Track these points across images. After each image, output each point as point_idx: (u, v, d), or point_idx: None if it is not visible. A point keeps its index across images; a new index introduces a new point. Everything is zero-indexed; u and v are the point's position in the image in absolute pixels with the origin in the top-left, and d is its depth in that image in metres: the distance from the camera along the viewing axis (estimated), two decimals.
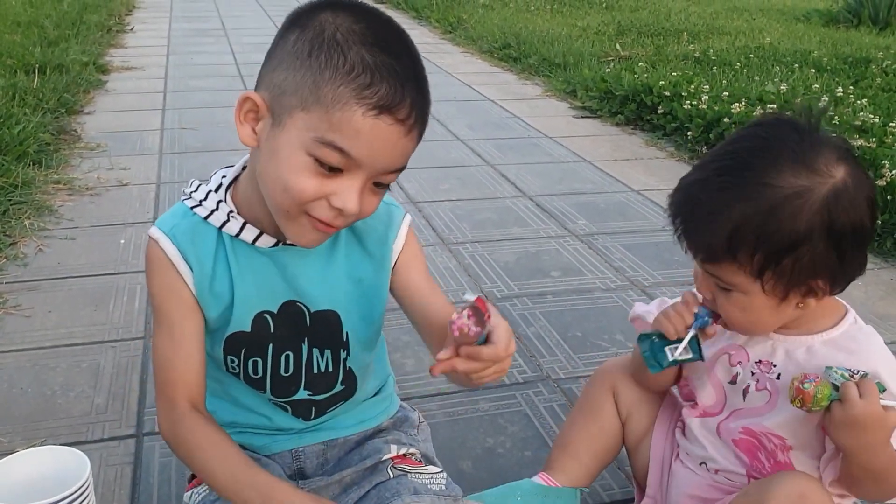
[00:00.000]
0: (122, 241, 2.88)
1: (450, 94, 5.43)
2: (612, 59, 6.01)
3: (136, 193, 3.37)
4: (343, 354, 1.37)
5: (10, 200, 3.08)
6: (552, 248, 2.94)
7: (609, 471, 1.71)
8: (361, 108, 1.07)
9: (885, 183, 3.12)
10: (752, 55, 6.00)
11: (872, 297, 2.65)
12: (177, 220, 1.29)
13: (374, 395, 1.50)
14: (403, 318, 1.39)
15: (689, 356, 1.36)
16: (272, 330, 1.33)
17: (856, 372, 1.21)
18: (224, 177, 1.30)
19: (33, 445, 1.72)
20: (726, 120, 4.06)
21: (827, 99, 4.38)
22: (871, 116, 4.01)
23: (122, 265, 2.70)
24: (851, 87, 4.87)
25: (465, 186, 3.62)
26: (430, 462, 1.46)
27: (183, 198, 1.31)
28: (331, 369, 1.38)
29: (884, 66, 5.64)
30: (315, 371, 1.37)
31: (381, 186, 1.18)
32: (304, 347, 1.35)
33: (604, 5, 9.20)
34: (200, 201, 1.28)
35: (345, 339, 1.36)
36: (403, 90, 1.09)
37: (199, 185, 1.31)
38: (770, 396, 1.34)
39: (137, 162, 3.79)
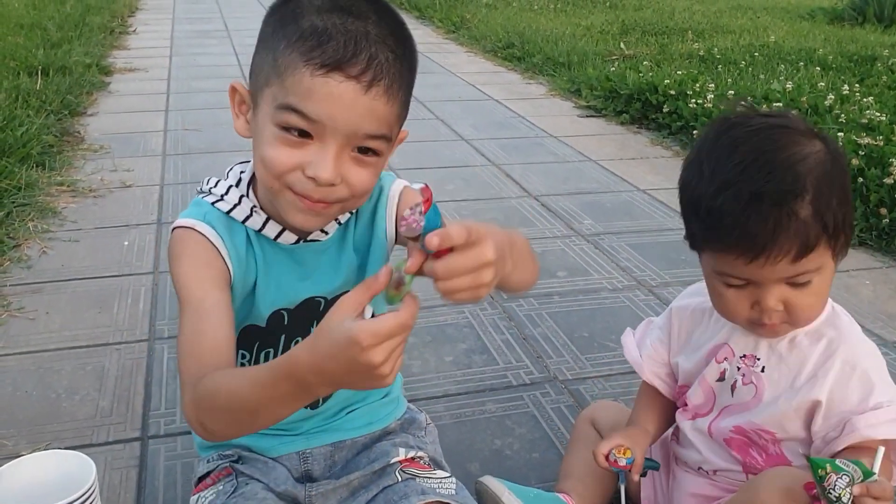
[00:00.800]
0: (126, 243, 2.87)
1: (454, 94, 5.41)
2: (617, 58, 5.99)
3: (140, 195, 3.36)
4: None
5: (13, 203, 3.07)
6: (558, 248, 2.93)
7: None
8: (310, 68, 1.08)
9: (892, 181, 3.10)
10: (756, 53, 5.98)
11: (881, 297, 2.63)
12: (205, 212, 1.26)
13: (383, 396, 1.49)
14: None
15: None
16: (286, 323, 1.33)
17: (847, 466, 1.15)
18: (243, 172, 1.30)
19: (38, 449, 1.71)
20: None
21: (833, 97, 4.36)
22: (878, 114, 3.98)
23: (125, 267, 2.69)
24: (857, 85, 4.84)
25: (470, 186, 3.60)
26: (438, 466, 1.44)
27: (201, 194, 1.30)
28: None
29: (889, 63, 5.62)
30: None
31: (366, 154, 1.14)
32: (313, 329, 1.33)
33: (607, 4, 9.18)
34: (222, 196, 1.27)
35: None
36: (356, 46, 1.08)
37: (218, 180, 1.30)
38: (756, 390, 1.35)
39: (141, 163, 3.78)
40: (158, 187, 3.47)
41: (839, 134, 3.61)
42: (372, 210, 1.34)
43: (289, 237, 1.27)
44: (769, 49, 6.19)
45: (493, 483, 1.50)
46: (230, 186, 1.28)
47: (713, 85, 4.69)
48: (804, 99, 4.34)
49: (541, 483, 1.67)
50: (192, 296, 1.17)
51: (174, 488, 1.67)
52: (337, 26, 1.09)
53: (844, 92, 4.57)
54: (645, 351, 1.53)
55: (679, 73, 5.08)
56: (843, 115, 4.01)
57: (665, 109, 4.54)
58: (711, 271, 1.29)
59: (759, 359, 1.35)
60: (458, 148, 4.22)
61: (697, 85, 4.68)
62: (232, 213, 1.26)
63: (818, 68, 5.44)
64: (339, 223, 1.32)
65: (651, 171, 3.86)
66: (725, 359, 1.39)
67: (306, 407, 1.39)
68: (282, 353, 1.31)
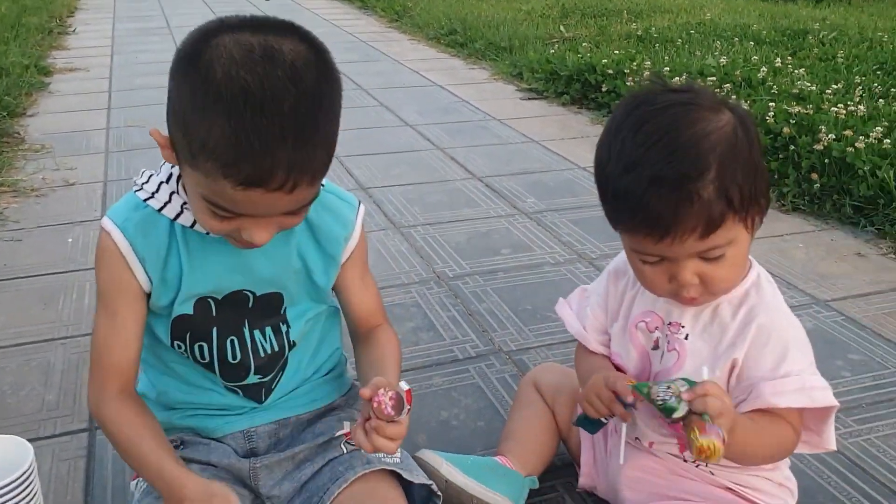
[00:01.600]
0: (70, 240, 2.86)
1: (398, 82, 5.44)
2: (557, 41, 6.06)
3: (83, 192, 3.34)
4: (283, 328, 1.39)
5: None
6: (502, 227, 2.98)
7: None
8: (230, 184, 1.08)
9: (822, 147, 3.20)
10: (693, 31, 6.09)
11: (814, 259, 2.72)
12: (129, 212, 1.30)
13: (327, 373, 1.51)
14: None
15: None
16: (214, 314, 1.35)
17: (674, 382, 1.23)
18: (174, 167, 1.31)
19: None
20: None
21: (766, 70, 4.46)
22: (809, 84, 4.10)
23: (70, 263, 2.68)
24: (790, 58, 4.96)
25: (416, 170, 3.63)
26: None
27: (134, 189, 1.32)
28: (276, 349, 1.40)
29: (820, 36, 5.76)
30: (262, 355, 1.39)
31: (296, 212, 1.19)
32: (247, 331, 1.37)
33: None
34: (153, 193, 1.30)
35: (283, 312, 1.39)
36: (272, 161, 1.05)
37: (150, 175, 1.32)
38: (678, 357, 1.35)
39: (83, 161, 3.74)
40: (102, 184, 3.44)
41: (771, 104, 3.71)
42: (335, 239, 1.39)
43: None
44: (705, 26, 6.30)
45: (429, 456, 1.51)
46: (161, 183, 1.30)
47: (650, 63, 4.78)
48: (738, 73, 4.44)
49: (485, 450, 1.71)
50: (107, 304, 1.32)
51: (122, 476, 1.68)
52: (249, 137, 1.04)
53: (777, 65, 4.68)
54: (587, 322, 1.51)
55: (617, 53, 5.16)
56: (775, 87, 4.12)
57: (604, 89, 4.61)
58: (628, 248, 1.30)
59: (683, 326, 1.35)
60: (402, 133, 4.25)
61: (635, 64, 4.77)
62: (163, 211, 1.29)
63: (752, 43, 5.56)
64: None
65: (592, 149, 3.83)
66: (657, 328, 1.38)
67: (252, 401, 1.42)
68: (217, 349, 1.36)
